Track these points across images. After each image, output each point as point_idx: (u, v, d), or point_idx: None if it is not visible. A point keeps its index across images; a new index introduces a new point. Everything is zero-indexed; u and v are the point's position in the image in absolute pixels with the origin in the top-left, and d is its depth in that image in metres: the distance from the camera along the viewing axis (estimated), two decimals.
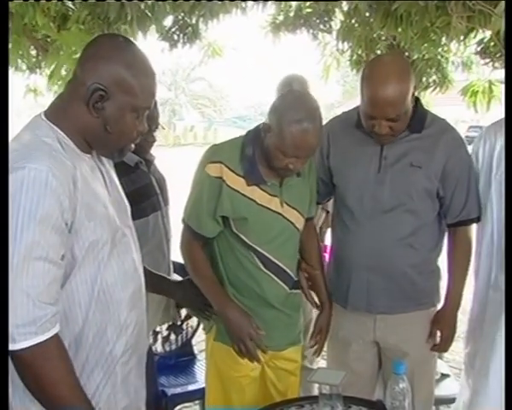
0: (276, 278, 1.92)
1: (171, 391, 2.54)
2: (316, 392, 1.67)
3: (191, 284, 1.94)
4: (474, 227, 2.10)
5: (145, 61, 1.37)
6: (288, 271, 1.95)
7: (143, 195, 2.25)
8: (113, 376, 1.39)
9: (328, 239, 2.63)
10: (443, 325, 2.08)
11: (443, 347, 2.12)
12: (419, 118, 2.02)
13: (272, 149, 1.77)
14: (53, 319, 1.22)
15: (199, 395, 2.50)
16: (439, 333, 2.09)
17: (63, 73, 4.17)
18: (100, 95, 1.30)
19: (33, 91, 5.24)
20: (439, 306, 2.13)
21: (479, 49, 3.69)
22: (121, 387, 1.42)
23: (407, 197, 1.98)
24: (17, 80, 4.89)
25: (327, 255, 3.44)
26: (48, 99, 5.17)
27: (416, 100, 2.06)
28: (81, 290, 1.32)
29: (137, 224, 1.64)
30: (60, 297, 1.26)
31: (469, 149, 2.12)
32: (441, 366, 2.61)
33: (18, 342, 1.17)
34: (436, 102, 4.56)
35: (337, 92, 34.27)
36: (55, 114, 1.34)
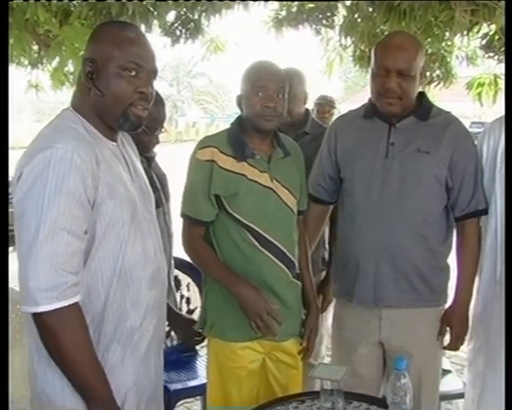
0: (275, 259, 1.90)
1: (172, 387, 2.53)
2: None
3: (189, 322, 2.11)
4: (481, 221, 2.07)
5: (128, 28, 1.49)
6: (286, 253, 1.93)
7: None
8: (134, 353, 1.46)
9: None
10: (453, 322, 2.03)
11: (454, 345, 2.06)
12: (425, 107, 2.04)
13: (247, 100, 1.89)
14: (74, 288, 1.29)
15: (200, 390, 2.49)
16: (448, 331, 2.06)
17: (66, 68, 4.19)
18: (88, 65, 1.42)
19: (35, 87, 5.24)
20: (447, 306, 2.09)
21: (483, 43, 3.67)
22: (141, 365, 1.48)
23: (416, 184, 1.96)
24: (19, 76, 4.90)
25: None
26: (49, 95, 5.18)
27: (422, 93, 2.09)
28: (104, 268, 1.39)
29: None
30: (81, 270, 1.34)
31: None
32: (443, 362, 2.59)
33: (41, 305, 1.25)
34: (439, 98, 4.54)
35: (339, 88, 34.26)
36: (76, 102, 1.47)
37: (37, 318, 1.28)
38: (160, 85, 1.67)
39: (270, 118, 1.87)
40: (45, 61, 4.45)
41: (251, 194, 1.89)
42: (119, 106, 1.43)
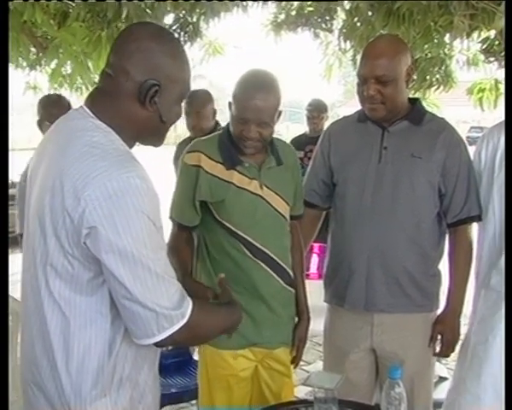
0: (266, 268, 1.86)
1: (166, 391, 2.51)
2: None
3: None
4: (474, 228, 2.06)
5: (182, 48, 1.40)
6: (278, 260, 1.88)
7: None
8: (153, 367, 1.45)
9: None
10: (444, 329, 2.01)
11: (444, 351, 2.04)
12: (418, 111, 2.03)
13: (231, 117, 1.84)
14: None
15: (194, 395, 2.47)
16: (439, 337, 2.03)
17: (64, 70, 4.18)
18: (155, 90, 1.29)
19: (33, 89, 5.24)
20: (439, 312, 2.07)
21: (483, 47, 3.66)
22: (155, 378, 1.48)
23: (409, 188, 1.94)
24: (17, 77, 4.90)
25: (315, 255, 3.45)
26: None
27: (416, 99, 2.09)
28: None
29: None
30: None
31: (471, 149, 2.09)
32: (440, 369, 2.58)
33: (185, 316, 1.26)
34: (439, 102, 4.52)
35: (338, 92, 34.26)
36: (106, 113, 1.29)
37: (183, 329, 1.26)
38: None
39: (250, 145, 1.81)
40: (43, 62, 4.44)
41: (239, 201, 1.84)
42: (169, 129, 1.40)
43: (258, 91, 1.77)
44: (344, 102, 24.73)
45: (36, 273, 1.25)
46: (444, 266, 2.07)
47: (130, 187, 1.18)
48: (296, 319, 2.01)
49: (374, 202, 1.96)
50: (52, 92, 4.77)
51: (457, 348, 2.09)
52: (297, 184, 2.00)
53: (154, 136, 1.40)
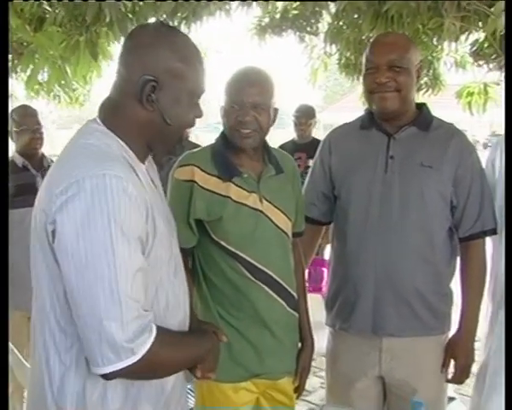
0: (269, 291, 1.71)
1: None
2: None
3: None
4: (488, 243, 1.93)
5: (190, 43, 1.27)
6: (282, 283, 1.73)
7: None
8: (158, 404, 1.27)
9: (327, 254, 2.45)
10: (457, 353, 1.87)
11: (458, 377, 1.90)
12: (425, 116, 1.90)
13: (224, 112, 1.71)
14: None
15: None
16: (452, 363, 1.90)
17: (41, 77, 4.02)
18: (151, 86, 1.19)
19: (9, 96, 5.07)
20: (450, 334, 1.93)
21: (473, 50, 3.59)
22: None
23: (419, 201, 1.81)
24: None
25: (325, 270, 3.32)
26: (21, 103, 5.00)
27: (423, 104, 1.96)
28: None
29: None
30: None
31: None
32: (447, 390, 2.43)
33: (137, 353, 1.10)
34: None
35: (319, 97, 34.34)
36: (111, 119, 1.23)
37: (134, 366, 1.10)
38: None
39: (247, 134, 1.67)
40: (19, 70, 4.28)
41: (237, 218, 1.69)
42: (181, 132, 1.27)
43: (251, 75, 1.71)
44: (324, 108, 24.71)
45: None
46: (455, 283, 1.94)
47: (103, 186, 1.07)
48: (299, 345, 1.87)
49: (380, 216, 1.82)
50: (27, 101, 4.64)
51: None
52: (298, 198, 1.86)
53: (163, 142, 1.26)
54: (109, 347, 1.07)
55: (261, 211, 1.72)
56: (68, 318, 1.14)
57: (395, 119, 1.86)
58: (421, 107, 1.93)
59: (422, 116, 1.89)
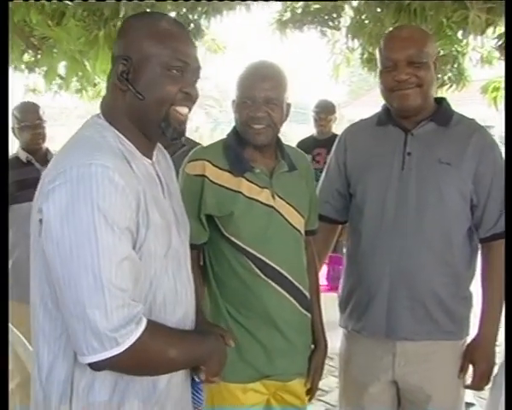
0: (279, 289, 1.68)
1: None
2: None
3: None
4: None
5: (164, 19, 1.28)
6: (294, 282, 1.70)
7: None
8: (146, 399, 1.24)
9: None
10: (477, 358, 1.80)
11: (477, 383, 1.82)
12: (445, 111, 1.83)
13: (237, 107, 1.69)
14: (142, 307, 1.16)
15: None
16: (471, 368, 1.83)
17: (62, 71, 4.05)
18: (122, 64, 1.22)
19: (32, 91, 5.15)
20: (469, 340, 1.86)
21: (499, 44, 3.48)
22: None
23: (437, 199, 1.74)
24: (17, 80, 4.80)
25: (325, 265, 3.27)
26: (47, 98, 5.08)
27: (442, 98, 1.90)
28: None
29: None
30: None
31: None
32: (466, 395, 2.35)
33: (121, 344, 1.09)
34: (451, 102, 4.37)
35: (343, 92, 34.06)
36: (107, 109, 1.27)
37: (120, 358, 1.10)
38: None
39: (260, 130, 1.65)
40: (41, 64, 4.32)
41: (249, 214, 1.66)
42: (162, 109, 1.24)
43: (264, 69, 1.70)
44: (349, 103, 24.47)
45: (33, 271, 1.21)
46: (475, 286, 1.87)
47: (89, 175, 1.09)
48: (312, 347, 1.82)
49: (397, 215, 1.76)
50: (49, 94, 4.70)
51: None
52: (311, 195, 1.82)
53: (144, 120, 1.25)
54: (93, 335, 1.08)
55: (273, 207, 1.69)
56: (58, 307, 1.14)
57: (415, 115, 1.80)
58: (441, 101, 1.86)
59: (441, 111, 1.83)
